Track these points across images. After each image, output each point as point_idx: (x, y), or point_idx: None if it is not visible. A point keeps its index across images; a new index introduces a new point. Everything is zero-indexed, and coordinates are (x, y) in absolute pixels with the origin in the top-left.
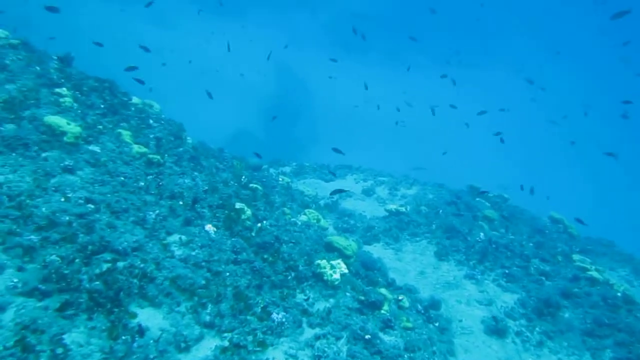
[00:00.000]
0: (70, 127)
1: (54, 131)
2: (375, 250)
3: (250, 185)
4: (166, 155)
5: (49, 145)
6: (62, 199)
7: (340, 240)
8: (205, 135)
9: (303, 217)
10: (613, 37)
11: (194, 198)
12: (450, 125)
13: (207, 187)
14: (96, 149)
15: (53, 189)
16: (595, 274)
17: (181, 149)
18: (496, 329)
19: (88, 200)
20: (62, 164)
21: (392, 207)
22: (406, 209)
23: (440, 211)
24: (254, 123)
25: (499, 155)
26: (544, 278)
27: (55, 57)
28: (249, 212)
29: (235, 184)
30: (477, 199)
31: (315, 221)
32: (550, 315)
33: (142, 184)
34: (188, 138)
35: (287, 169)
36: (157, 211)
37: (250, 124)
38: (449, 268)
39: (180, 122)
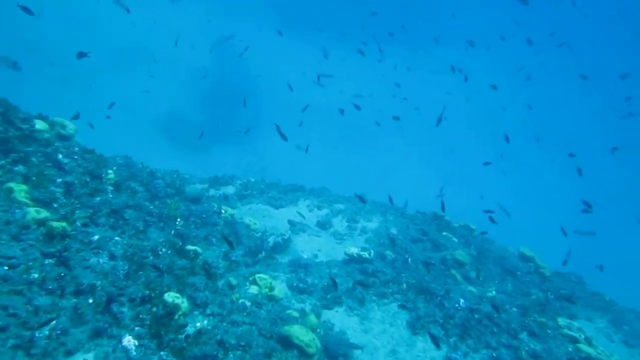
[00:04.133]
0: None
1: None
2: (338, 318)
3: (187, 247)
4: (77, 211)
5: None
6: None
7: (301, 334)
8: (138, 119)
9: (253, 289)
10: None
11: (109, 295)
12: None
13: (128, 267)
14: None
15: None
16: (586, 348)
17: (98, 198)
18: None
19: None
20: None
21: (353, 251)
22: (369, 254)
23: (409, 260)
24: (189, 105)
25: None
26: None
27: None
28: (184, 304)
29: (169, 251)
30: (444, 233)
31: (266, 290)
32: None
33: (36, 275)
34: (109, 172)
35: (231, 190)
36: (54, 322)
37: (184, 105)
38: (425, 346)
39: (100, 153)
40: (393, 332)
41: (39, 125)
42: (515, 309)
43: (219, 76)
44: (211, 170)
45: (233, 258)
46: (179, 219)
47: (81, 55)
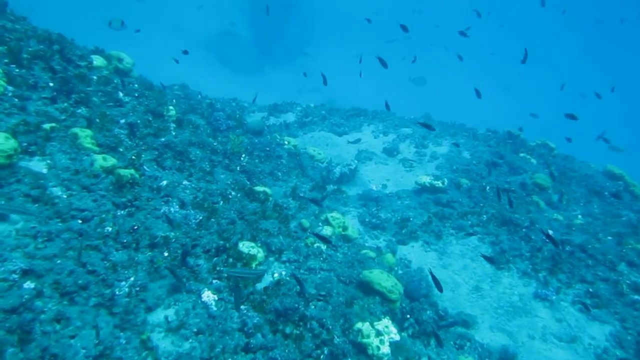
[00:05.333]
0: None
1: None
2: (414, 254)
3: (257, 188)
4: (143, 155)
5: None
6: None
7: (382, 280)
8: (186, 39)
9: (327, 230)
10: None
11: (184, 248)
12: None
13: (201, 216)
14: (41, 167)
15: None
16: None
17: (163, 138)
18: None
19: (25, 274)
20: None
21: (425, 180)
22: (443, 182)
23: (487, 187)
24: (239, 22)
25: None
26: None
27: None
28: (260, 254)
29: (239, 194)
30: (521, 154)
31: (340, 230)
32: None
33: (110, 228)
34: (170, 108)
35: (291, 117)
36: (132, 278)
37: (235, 22)
38: (511, 282)
39: (160, 86)
40: (475, 267)
41: (97, 61)
42: (610, 238)
43: None
44: (264, 92)
45: (301, 194)
46: (243, 155)
47: None
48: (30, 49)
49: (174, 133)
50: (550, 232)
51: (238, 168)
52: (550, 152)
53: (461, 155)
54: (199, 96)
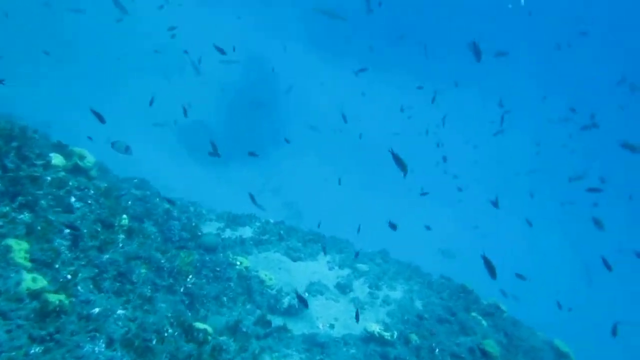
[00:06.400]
0: None
1: None
2: None
3: (197, 325)
4: (80, 273)
5: None
6: None
7: None
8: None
9: None
10: None
11: None
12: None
13: (129, 359)
14: None
15: None
16: None
17: (107, 255)
18: None
19: None
20: None
21: (375, 328)
22: (392, 335)
23: (437, 350)
24: (212, 114)
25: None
26: None
27: None
28: None
29: (176, 332)
30: (473, 313)
31: None
32: None
33: None
34: (123, 217)
35: (248, 232)
36: None
37: (207, 115)
38: None
39: (117, 193)
40: None
41: (55, 159)
42: None
43: (247, 90)
44: (227, 185)
45: (244, 329)
46: (190, 276)
47: None
48: None
49: (121, 244)
50: None
51: (182, 289)
52: (500, 314)
53: (414, 305)
54: (157, 199)
